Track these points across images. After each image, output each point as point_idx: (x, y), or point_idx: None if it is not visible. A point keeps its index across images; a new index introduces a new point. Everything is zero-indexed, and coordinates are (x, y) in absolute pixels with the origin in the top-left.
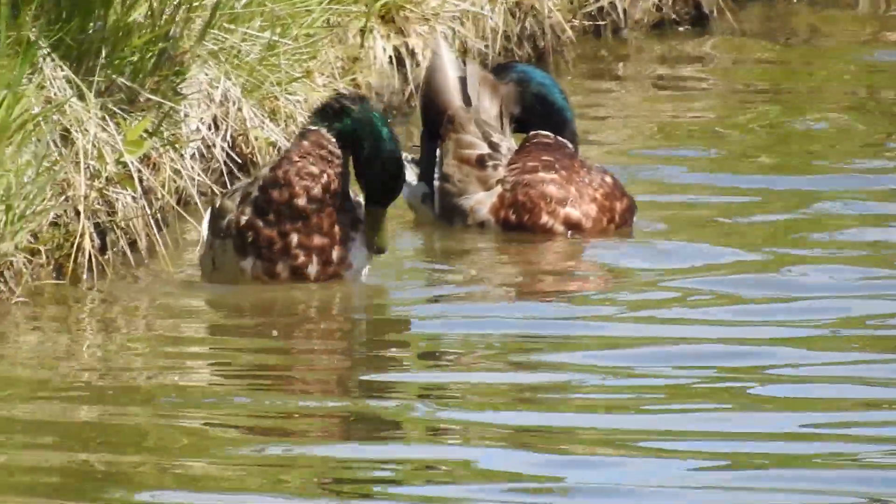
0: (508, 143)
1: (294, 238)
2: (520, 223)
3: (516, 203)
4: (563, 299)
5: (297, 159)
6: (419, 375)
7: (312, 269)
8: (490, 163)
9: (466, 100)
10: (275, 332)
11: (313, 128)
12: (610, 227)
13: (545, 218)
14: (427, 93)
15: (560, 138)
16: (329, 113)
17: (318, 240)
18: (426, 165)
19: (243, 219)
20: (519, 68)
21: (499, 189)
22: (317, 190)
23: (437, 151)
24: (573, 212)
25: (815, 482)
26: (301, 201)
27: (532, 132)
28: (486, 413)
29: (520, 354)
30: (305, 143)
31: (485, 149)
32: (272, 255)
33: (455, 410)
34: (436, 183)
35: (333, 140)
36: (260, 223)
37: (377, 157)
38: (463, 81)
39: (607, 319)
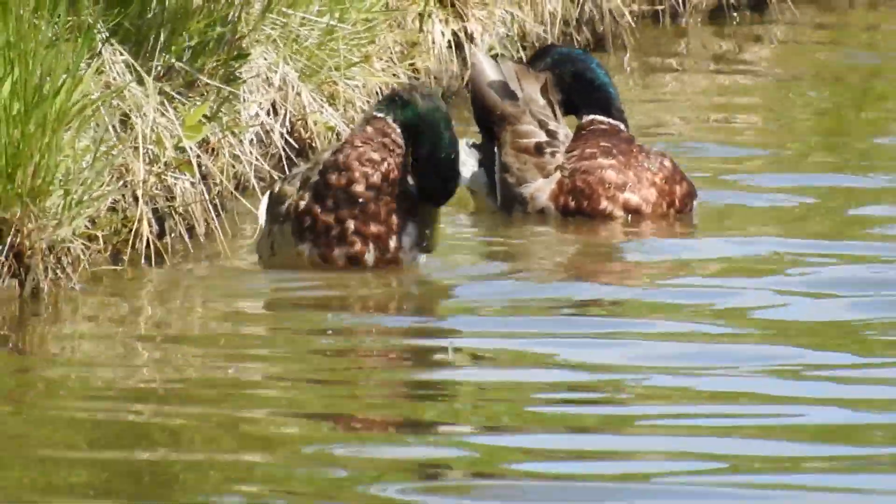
0: (565, 129)
1: (351, 224)
2: (579, 209)
3: (575, 189)
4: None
5: (360, 144)
6: (474, 372)
7: (370, 256)
8: (548, 150)
9: (512, 96)
10: (329, 316)
11: (379, 115)
12: (670, 212)
13: (604, 203)
14: (475, 101)
15: (614, 122)
16: (397, 102)
17: (374, 227)
18: (486, 162)
19: (302, 203)
20: (555, 51)
21: (557, 175)
22: (376, 177)
23: (495, 148)
24: (633, 197)
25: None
26: (359, 187)
27: (586, 119)
28: (535, 407)
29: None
30: (369, 129)
31: (542, 136)
32: (329, 240)
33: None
34: (496, 175)
35: (398, 130)
36: (318, 208)
37: (434, 159)
38: (503, 82)
39: (662, 314)
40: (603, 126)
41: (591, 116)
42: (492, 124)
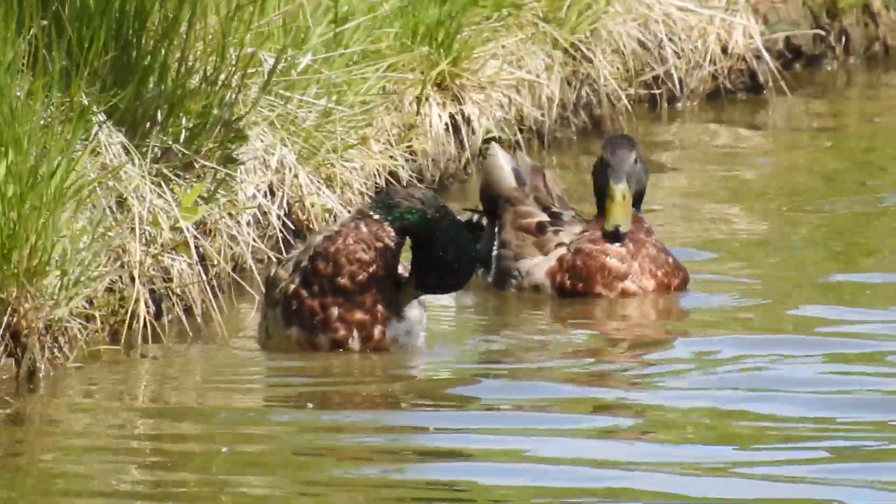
0: (570, 212)
1: (335, 311)
2: (573, 290)
3: (574, 269)
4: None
5: (352, 242)
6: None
7: (353, 343)
8: (550, 229)
9: (520, 182)
10: (310, 405)
11: (375, 216)
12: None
13: (599, 289)
14: (484, 184)
15: (636, 212)
16: (393, 205)
17: (359, 315)
18: (485, 242)
19: (291, 287)
20: (607, 137)
21: (560, 251)
22: (362, 276)
23: (495, 228)
24: (630, 286)
25: None
26: (344, 281)
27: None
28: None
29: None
30: (364, 229)
31: (544, 217)
32: (314, 325)
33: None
34: (493, 252)
35: (393, 234)
36: (304, 292)
37: (434, 260)
38: (516, 171)
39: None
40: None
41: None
42: (496, 208)
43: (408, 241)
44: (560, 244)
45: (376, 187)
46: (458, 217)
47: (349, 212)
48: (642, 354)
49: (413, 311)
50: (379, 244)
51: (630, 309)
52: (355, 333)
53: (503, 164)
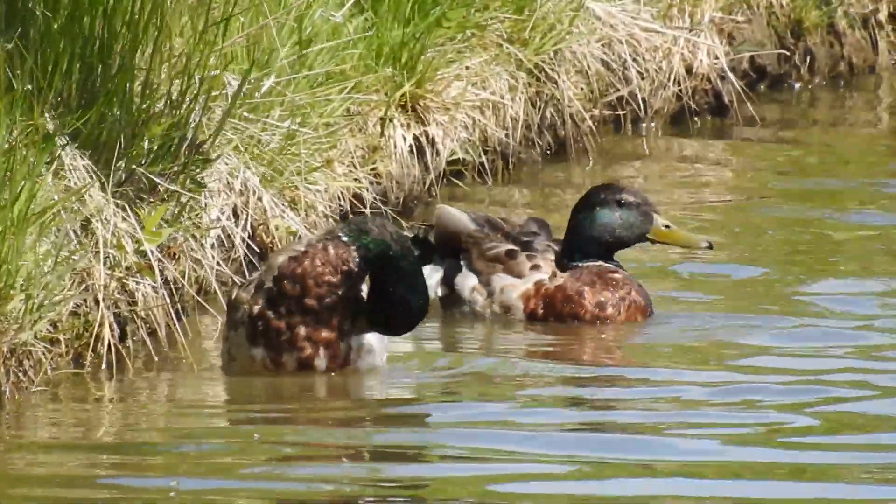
0: (541, 239)
1: (301, 330)
2: (545, 319)
3: (553, 298)
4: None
5: (319, 264)
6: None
7: (320, 361)
8: (524, 253)
9: (479, 224)
10: (256, 436)
11: (344, 240)
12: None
13: (578, 311)
14: (442, 228)
15: (612, 265)
16: (364, 234)
17: (325, 333)
18: (447, 275)
19: (255, 308)
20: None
21: (537, 277)
22: (329, 299)
23: (460, 261)
24: (610, 310)
25: None
26: (312, 301)
27: (586, 262)
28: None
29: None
30: (332, 251)
31: (511, 245)
32: (279, 344)
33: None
34: (457, 280)
35: (358, 259)
36: (270, 313)
37: (388, 297)
38: (472, 216)
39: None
40: (595, 267)
41: (589, 262)
42: (458, 248)
43: None
44: (536, 266)
45: (340, 210)
46: (407, 237)
47: (312, 233)
48: (609, 383)
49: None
50: (344, 267)
51: (598, 335)
52: (321, 352)
53: (456, 212)
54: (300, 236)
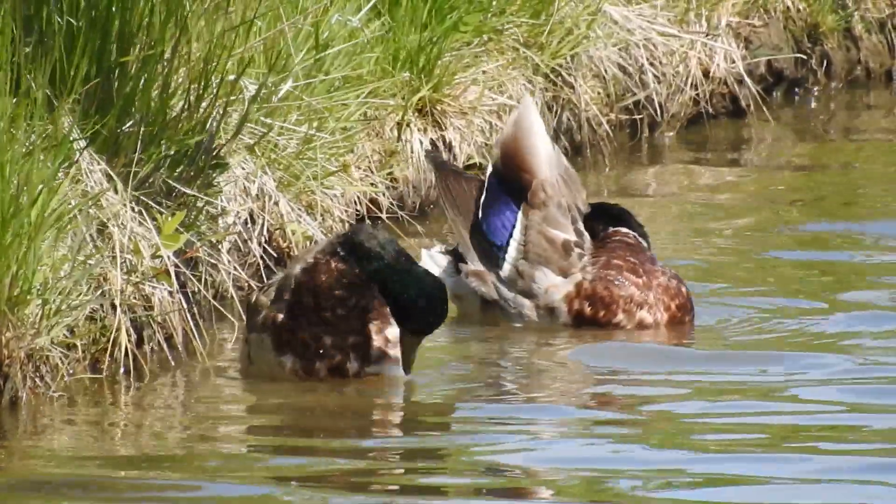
0: (587, 235)
1: (327, 340)
2: (593, 317)
3: (595, 296)
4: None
5: (324, 279)
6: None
7: (352, 366)
8: (576, 250)
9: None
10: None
11: (342, 254)
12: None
13: (620, 316)
14: (515, 150)
15: (639, 238)
16: (359, 251)
17: (352, 339)
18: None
19: (280, 317)
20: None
21: (578, 277)
22: (341, 311)
23: (520, 217)
24: (648, 317)
25: None
26: (328, 315)
27: (612, 229)
28: None
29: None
30: (334, 266)
31: (572, 234)
32: (310, 354)
33: None
34: (511, 253)
35: (358, 272)
36: (293, 324)
37: (406, 303)
38: (550, 156)
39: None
40: (629, 240)
41: (617, 227)
42: (523, 188)
43: None
44: (582, 269)
45: (357, 214)
46: (396, 242)
47: (326, 236)
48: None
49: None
50: (345, 281)
51: (643, 340)
52: (352, 356)
53: (540, 139)
54: (316, 241)
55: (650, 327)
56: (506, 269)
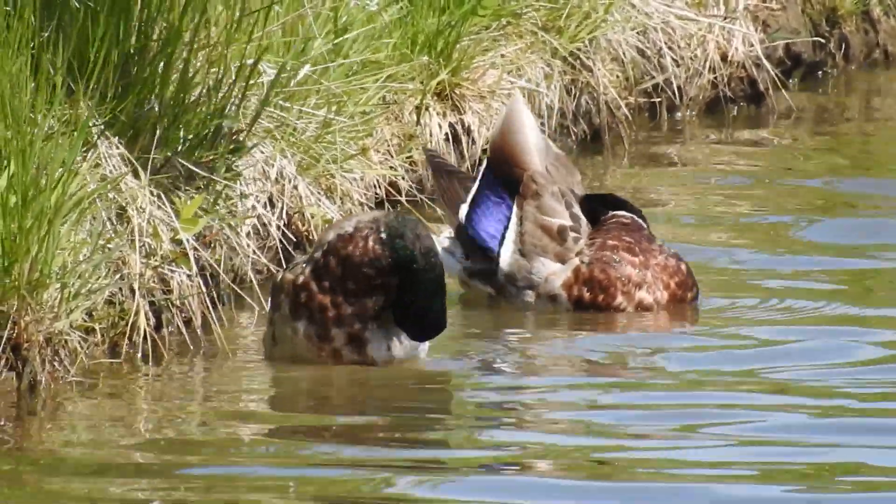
0: (584, 217)
1: (347, 308)
2: (593, 301)
3: (592, 279)
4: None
5: (358, 255)
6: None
7: (369, 334)
8: (571, 235)
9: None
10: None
11: (383, 237)
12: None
13: (619, 299)
14: (505, 144)
15: (637, 218)
16: (401, 241)
17: (372, 313)
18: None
19: (301, 278)
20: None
21: (575, 262)
22: (366, 285)
23: (514, 211)
24: (647, 297)
25: None
26: (352, 286)
27: (610, 213)
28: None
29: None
30: (370, 245)
31: (567, 219)
32: (325, 319)
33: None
34: (508, 248)
35: (390, 261)
36: (314, 286)
37: (413, 305)
38: (538, 147)
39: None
40: (625, 220)
41: (614, 211)
42: (514, 176)
43: None
44: (578, 253)
45: (376, 197)
46: (436, 250)
47: (370, 208)
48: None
49: None
50: (378, 262)
51: (644, 325)
52: (369, 325)
53: (529, 131)
54: (352, 212)
55: (651, 307)
56: (504, 262)
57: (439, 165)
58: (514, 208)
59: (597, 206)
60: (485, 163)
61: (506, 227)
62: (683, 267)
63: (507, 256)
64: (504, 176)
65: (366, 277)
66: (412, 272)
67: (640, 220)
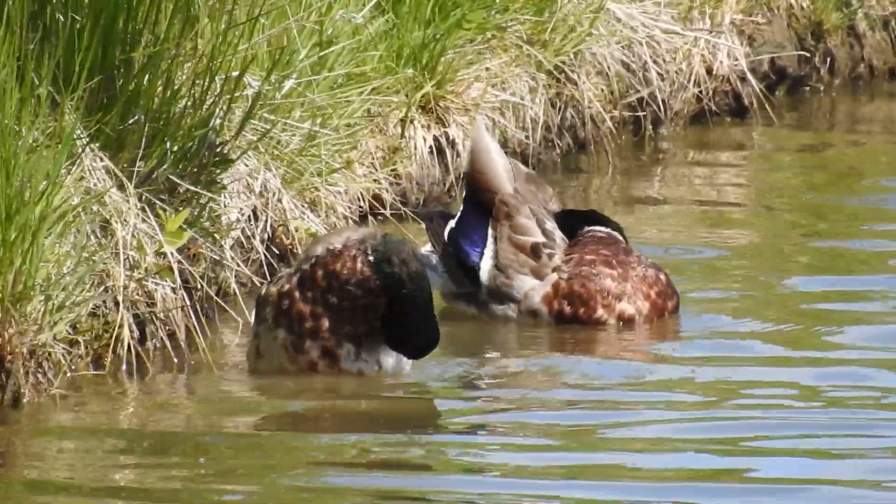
0: (559, 232)
1: (325, 322)
2: (574, 315)
3: (572, 294)
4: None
5: (346, 273)
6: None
7: (343, 350)
8: (545, 251)
9: (512, 185)
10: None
11: (370, 259)
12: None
13: (600, 311)
14: (476, 172)
15: (613, 232)
16: (388, 264)
17: (348, 328)
18: (471, 237)
19: (285, 286)
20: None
21: (554, 277)
22: (348, 303)
23: (490, 232)
24: (628, 308)
25: None
26: (334, 300)
27: (585, 229)
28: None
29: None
30: (358, 265)
31: (539, 237)
32: (302, 330)
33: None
34: (486, 264)
35: (378, 283)
36: (297, 294)
37: (401, 325)
38: (507, 169)
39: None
40: (600, 234)
41: (589, 227)
42: (487, 202)
43: None
44: (555, 268)
45: (360, 211)
46: (425, 273)
47: (356, 224)
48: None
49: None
50: (365, 284)
51: (627, 338)
52: (345, 344)
53: (495, 154)
54: (338, 227)
55: (633, 318)
56: (484, 273)
57: (429, 214)
58: (490, 230)
59: (574, 222)
60: (464, 192)
61: (482, 250)
62: (663, 277)
63: (486, 268)
64: (482, 202)
65: (351, 296)
66: (400, 296)
67: (617, 234)
